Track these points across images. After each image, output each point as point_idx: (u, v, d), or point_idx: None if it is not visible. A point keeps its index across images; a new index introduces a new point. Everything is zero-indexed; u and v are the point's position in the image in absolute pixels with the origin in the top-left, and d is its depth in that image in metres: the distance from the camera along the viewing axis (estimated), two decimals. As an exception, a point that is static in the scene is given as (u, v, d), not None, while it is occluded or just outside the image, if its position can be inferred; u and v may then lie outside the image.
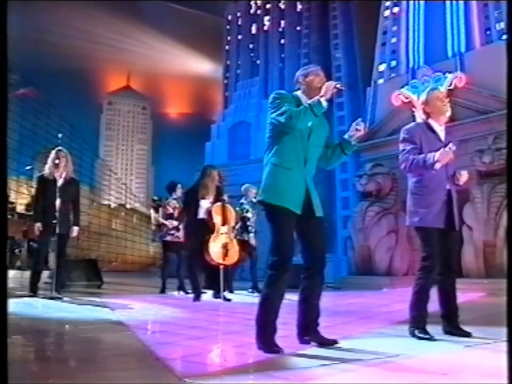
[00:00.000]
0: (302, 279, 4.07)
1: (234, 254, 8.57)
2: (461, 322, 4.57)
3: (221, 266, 8.43)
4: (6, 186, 2.62)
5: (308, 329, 4.00)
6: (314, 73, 4.24)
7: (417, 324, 4.44)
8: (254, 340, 3.75)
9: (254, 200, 10.61)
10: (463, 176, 4.58)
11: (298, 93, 4.22)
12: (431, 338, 4.28)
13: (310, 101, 3.96)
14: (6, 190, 2.63)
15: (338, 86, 3.98)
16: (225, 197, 8.71)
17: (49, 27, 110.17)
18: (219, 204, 8.55)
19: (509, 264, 2.95)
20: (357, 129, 4.09)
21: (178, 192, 10.62)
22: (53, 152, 8.28)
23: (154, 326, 5.60)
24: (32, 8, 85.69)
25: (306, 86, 4.19)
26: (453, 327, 4.54)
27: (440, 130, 4.68)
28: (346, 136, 4.17)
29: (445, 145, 4.57)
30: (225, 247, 8.41)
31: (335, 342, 3.96)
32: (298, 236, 4.07)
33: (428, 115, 4.74)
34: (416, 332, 4.38)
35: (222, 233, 8.48)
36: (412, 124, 4.85)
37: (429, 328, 4.44)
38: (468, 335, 4.41)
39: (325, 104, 3.91)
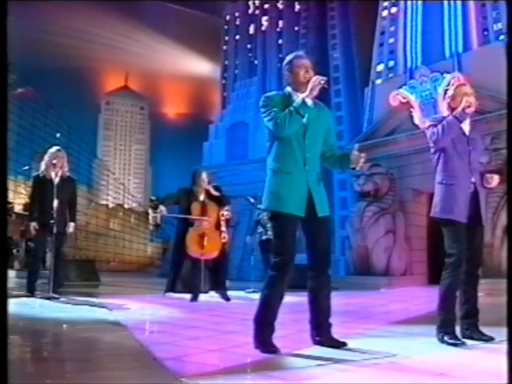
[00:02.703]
0: (308, 279, 4.04)
1: (213, 245, 8.42)
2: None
3: (202, 259, 8.36)
4: (6, 186, 2.62)
5: (319, 329, 3.97)
6: (297, 65, 4.07)
7: (446, 328, 4.21)
8: (251, 340, 3.75)
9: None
10: (494, 181, 4.46)
11: (289, 88, 4.10)
12: (463, 344, 4.09)
13: (294, 103, 3.88)
14: (6, 190, 2.62)
15: (322, 82, 3.87)
16: (213, 192, 8.70)
17: (47, 27, 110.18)
18: (198, 202, 8.55)
19: (509, 264, 2.96)
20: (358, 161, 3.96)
21: None
22: (51, 151, 8.26)
23: (151, 326, 5.60)
24: (30, 8, 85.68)
25: (293, 81, 4.07)
26: (472, 331, 4.33)
27: (464, 124, 4.51)
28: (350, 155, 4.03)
29: (468, 138, 4.48)
30: (202, 236, 8.33)
31: (344, 343, 3.91)
32: (305, 236, 4.06)
33: (452, 110, 4.56)
34: (446, 338, 4.15)
35: (199, 225, 8.43)
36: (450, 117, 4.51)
37: (425, 328, 4.44)
38: (489, 339, 4.20)
39: (310, 102, 3.88)
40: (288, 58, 4.19)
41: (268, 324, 3.79)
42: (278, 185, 3.92)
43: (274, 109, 3.90)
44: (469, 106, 4.39)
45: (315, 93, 3.89)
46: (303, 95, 3.88)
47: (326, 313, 4.00)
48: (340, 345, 3.89)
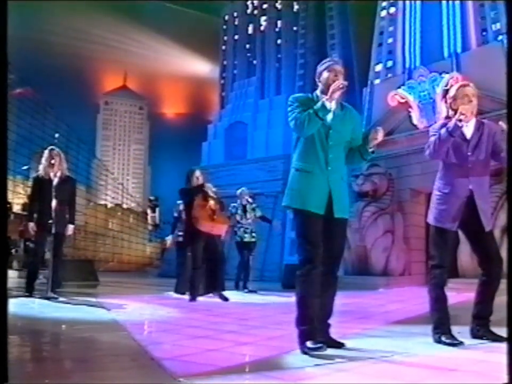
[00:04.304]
0: None
1: (222, 219, 8.70)
2: (458, 323, 4.51)
3: (213, 234, 8.44)
4: (5, 186, 2.62)
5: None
6: (328, 69, 4.14)
7: (442, 328, 4.23)
8: (249, 340, 3.76)
9: (249, 200, 11.15)
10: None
11: (318, 92, 4.16)
12: (460, 344, 4.09)
13: (315, 106, 3.90)
14: (6, 190, 2.63)
15: (341, 86, 3.91)
16: (210, 192, 8.76)
17: (46, 26, 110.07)
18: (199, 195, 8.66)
19: (509, 264, 2.95)
20: (374, 138, 4.00)
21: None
22: (46, 152, 8.30)
23: (149, 326, 5.60)
24: (28, 8, 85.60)
25: (322, 84, 4.13)
26: (485, 331, 4.33)
27: (466, 127, 4.41)
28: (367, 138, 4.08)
29: (468, 143, 4.40)
30: (212, 210, 8.50)
31: (342, 344, 3.91)
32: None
33: (454, 111, 4.43)
34: (443, 338, 4.16)
35: (206, 202, 8.55)
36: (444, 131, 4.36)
37: (424, 328, 4.44)
38: (501, 339, 4.07)
39: (329, 105, 3.89)
40: (322, 62, 4.28)
41: (309, 323, 3.76)
42: (299, 184, 3.98)
43: (297, 110, 3.97)
44: (460, 120, 4.25)
45: (336, 96, 3.92)
46: (324, 99, 3.91)
47: (327, 313, 4.01)
48: (338, 345, 3.89)
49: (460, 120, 4.26)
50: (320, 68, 4.22)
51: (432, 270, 4.43)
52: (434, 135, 4.41)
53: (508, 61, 2.86)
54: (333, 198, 3.93)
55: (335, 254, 4.09)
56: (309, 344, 3.60)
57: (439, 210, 4.43)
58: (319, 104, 3.90)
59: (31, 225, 8.10)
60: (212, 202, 8.55)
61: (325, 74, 4.13)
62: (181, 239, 10.03)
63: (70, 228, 8.33)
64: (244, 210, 11.31)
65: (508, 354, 2.47)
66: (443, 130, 4.33)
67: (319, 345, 3.58)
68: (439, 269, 4.39)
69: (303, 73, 56.72)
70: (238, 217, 11.20)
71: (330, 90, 3.91)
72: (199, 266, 8.47)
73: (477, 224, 4.40)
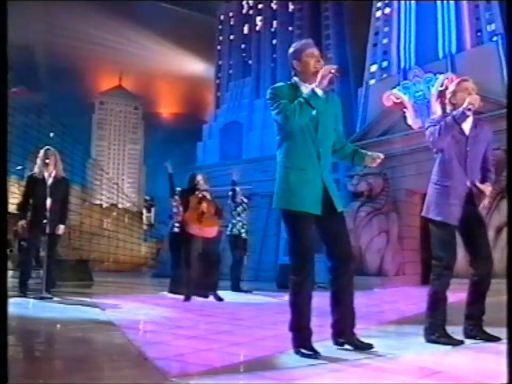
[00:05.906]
0: (329, 280, 3.85)
1: (211, 222, 8.58)
2: (451, 323, 4.51)
3: (200, 238, 8.43)
4: (6, 187, 2.62)
5: (343, 332, 3.79)
6: (308, 54, 3.84)
7: (435, 328, 4.20)
8: (243, 340, 3.75)
9: (244, 200, 11.03)
10: (486, 190, 4.34)
11: (297, 79, 3.87)
12: (453, 344, 4.06)
13: (304, 93, 3.69)
14: (6, 191, 2.62)
15: (333, 71, 3.67)
16: (207, 195, 8.78)
17: (41, 26, 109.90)
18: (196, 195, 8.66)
19: (509, 264, 2.96)
20: (371, 162, 3.86)
21: None
22: (41, 151, 8.29)
23: (144, 326, 5.59)
24: (24, 7, 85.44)
25: (302, 71, 3.84)
26: (478, 331, 4.31)
27: (465, 123, 4.35)
28: (363, 153, 3.94)
29: (467, 138, 4.36)
30: (201, 214, 8.45)
31: (370, 346, 3.77)
32: (320, 235, 3.83)
33: (453, 106, 4.46)
34: (434, 338, 4.14)
35: (198, 207, 8.55)
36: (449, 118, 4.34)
37: (417, 328, 4.44)
38: (496, 339, 4.11)
39: (321, 93, 3.64)
40: (295, 46, 3.95)
41: (302, 329, 3.63)
42: (292, 183, 3.70)
43: (283, 101, 3.68)
44: (469, 109, 4.22)
45: (325, 82, 3.66)
46: (313, 85, 3.69)
47: (351, 314, 3.84)
48: (367, 347, 3.75)
49: (469, 110, 4.23)
50: (295, 53, 3.90)
51: (437, 272, 4.34)
52: (434, 125, 4.37)
53: (508, 61, 2.88)
54: (330, 193, 3.76)
55: (348, 251, 3.84)
56: (302, 351, 3.53)
57: (440, 204, 4.34)
58: (309, 91, 3.67)
59: (21, 222, 8.07)
60: (204, 204, 8.54)
61: (305, 60, 3.83)
62: (176, 230, 10.00)
63: (61, 228, 8.29)
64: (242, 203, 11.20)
65: (508, 354, 2.47)
66: (449, 118, 4.30)
67: (311, 353, 3.50)
68: (446, 270, 4.32)
69: (298, 73, 56.80)
70: (239, 210, 11.07)
71: (320, 76, 3.67)
72: (191, 266, 8.47)
73: (472, 223, 4.38)
